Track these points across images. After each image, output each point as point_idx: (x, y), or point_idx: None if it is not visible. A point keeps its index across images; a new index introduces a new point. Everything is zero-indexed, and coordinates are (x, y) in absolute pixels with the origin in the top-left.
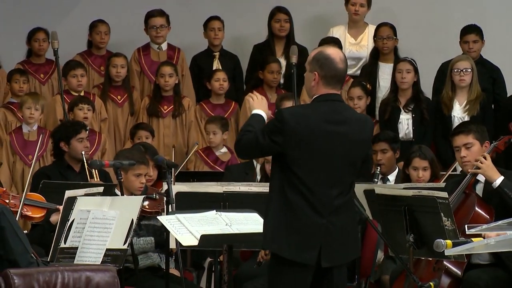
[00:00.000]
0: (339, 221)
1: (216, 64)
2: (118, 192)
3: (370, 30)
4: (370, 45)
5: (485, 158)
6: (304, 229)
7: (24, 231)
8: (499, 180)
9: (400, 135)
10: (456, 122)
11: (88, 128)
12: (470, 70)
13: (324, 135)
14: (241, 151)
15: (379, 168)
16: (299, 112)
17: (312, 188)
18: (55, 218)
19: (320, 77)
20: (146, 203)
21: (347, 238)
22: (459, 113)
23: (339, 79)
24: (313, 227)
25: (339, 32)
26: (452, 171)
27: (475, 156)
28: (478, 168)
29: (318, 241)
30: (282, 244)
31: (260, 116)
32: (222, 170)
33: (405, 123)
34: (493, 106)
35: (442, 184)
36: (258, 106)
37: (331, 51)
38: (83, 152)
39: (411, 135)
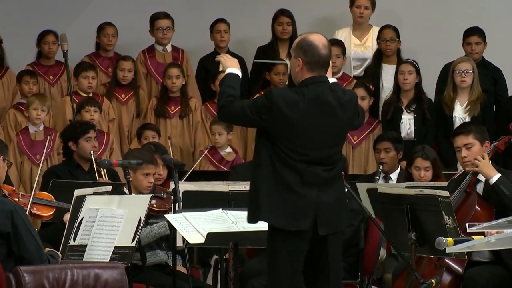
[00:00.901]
0: (330, 192)
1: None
2: (126, 191)
3: (375, 31)
4: (375, 46)
5: (483, 157)
6: (297, 200)
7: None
8: (495, 177)
9: (402, 135)
10: (457, 122)
11: (96, 128)
12: (471, 71)
13: (311, 116)
14: (226, 118)
15: (381, 166)
16: (287, 94)
17: (300, 164)
18: (67, 217)
19: (304, 63)
20: (154, 201)
21: (340, 207)
22: (460, 113)
23: (323, 64)
24: (305, 198)
25: (344, 34)
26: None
27: (476, 156)
28: (476, 166)
29: (312, 210)
30: (278, 215)
31: (235, 75)
32: (227, 170)
33: (407, 123)
34: (494, 106)
35: (443, 183)
36: (231, 64)
37: (314, 37)
38: (91, 152)
39: (413, 135)
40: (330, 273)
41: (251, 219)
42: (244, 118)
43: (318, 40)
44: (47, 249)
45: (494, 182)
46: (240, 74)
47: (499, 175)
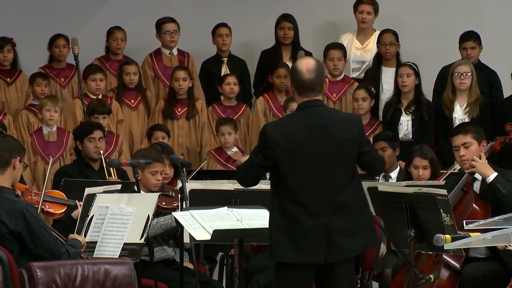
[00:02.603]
0: (340, 218)
1: (225, 69)
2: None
3: (377, 35)
4: (375, 49)
5: (480, 157)
6: (305, 233)
7: None
8: (492, 176)
9: (400, 136)
10: (457, 123)
11: (106, 129)
12: (470, 74)
13: (308, 141)
14: (242, 180)
15: None
16: (280, 124)
17: (306, 193)
18: (76, 212)
19: (293, 88)
20: (163, 200)
21: (351, 232)
22: (460, 114)
23: (309, 87)
24: (312, 229)
25: (348, 38)
26: (451, 170)
27: (473, 155)
28: (473, 166)
29: (320, 240)
30: (286, 250)
31: None
32: (234, 169)
33: (405, 124)
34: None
35: (441, 182)
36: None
37: (300, 63)
38: (101, 152)
39: (410, 136)
40: None
41: (271, 259)
42: (252, 166)
43: (303, 65)
44: (71, 236)
45: (491, 181)
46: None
47: (495, 173)
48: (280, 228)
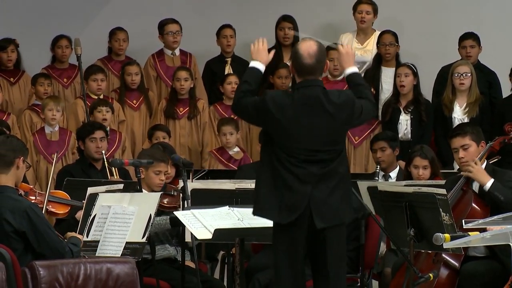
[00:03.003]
0: (325, 187)
1: (228, 69)
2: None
3: (376, 36)
4: (375, 50)
5: (476, 163)
6: (293, 196)
7: None
8: (489, 184)
9: (399, 135)
10: (456, 123)
11: (108, 129)
12: (469, 74)
13: (301, 118)
14: (236, 113)
15: (378, 167)
16: (278, 97)
17: (295, 163)
18: (80, 214)
19: (293, 69)
20: (166, 200)
21: (336, 201)
22: (459, 114)
23: (309, 71)
24: (300, 194)
25: (347, 38)
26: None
27: (472, 156)
28: (470, 172)
29: (304, 204)
30: (273, 211)
31: (257, 69)
32: (236, 168)
33: (404, 124)
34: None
35: (441, 181)
36: (256, 56)
37: (301, 46)
38: (103, 152)
39: (409, 136)
40: (329, 268)
41: (254, 214)
42: (248, 115)
43: (304, 48)
44: (68, 234)
45: (489, 190)
46: (262, 68)
47: (492, 180)
48: (270, 191)
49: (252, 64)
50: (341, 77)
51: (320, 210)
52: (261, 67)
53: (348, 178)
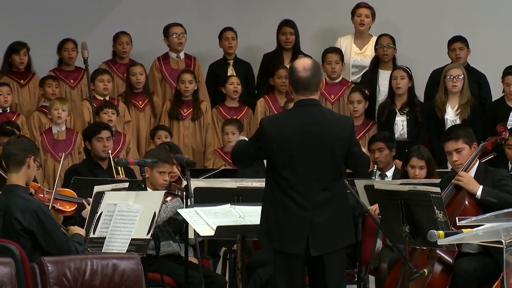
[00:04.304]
0: (325, 214)
1: (231, 71)
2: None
3: (374, 41)
4: (373, 54)
5: (463, 175)
6: (291, 223)
7: None
8: (479, 191)
9: (396, 136)
10: (449, 124)
11: (113, 130)
12: (462, 77)
13: (300, 138)
14: (235, 159)
15: (375, 166)
16: (276, 119)
17: (296, 187)
18: (85, 211)
19: (290, 86)
20: (169, 198)
21: (334, 228)
22: (451, 116)
23: (304, 86)
24: (299, 221)
25: (346, 41)
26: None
27: (466, 158)
28: (460, 181)
29: (304, 232)
30: (273, 238)
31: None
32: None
33: (400, 125)
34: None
35: (436, 180)
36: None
37: (297, 62)
38: (109, 151)
39: (406, 136)
40: None
41: (258, 243)
42: (246, 152)
43: (299, 63)
44: (72, 228)
45: (481, 197)
46: None
47: (481, 187)
48: (268, 215)
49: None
50: (338, 80)
51: (318, 237)
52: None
53: (347, 202)
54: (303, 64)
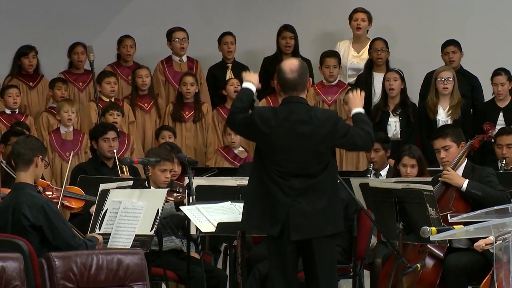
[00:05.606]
0: (306, 201)
1: (229, 74)
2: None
3: None
4: None
5: (449, 170)
6: (273, 206)
7: None
8: (465, 184)
9: (389, 136)
10: (440, 125)
11: (118, 130)
12: (451, 79)
13: (284, 132)
14: (230, 127)
15: (371, 165)
16: (265, 111)
17: (279, 175)
18: (93, 209)
19: (278, 86)
20: (171, 195)
21: (318, 215)
22: (443, 117)
23: (291, 86)
24: (280, 204)
25: (344, 45)
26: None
27: (453, 156)
28: (446, 178)
29: (282, 216)
30: (253, 221)
31: (249, 89)
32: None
33: (393, 125)
34: (472, 110)
35: (428, 178)
36: (248, 78)
37: (284, 63)
38: (115, 151)
39: (399, 136)
40: (319, 275)
41: (241, 226)
42: (239, 130)
43: (286, 65)
44: (89, 234)
45: (466, 189)
46: (253, 88)
47: (467, 181)
48: (255, 202)
49: (245, 84)
50: (335, 82)
51: (298, 222)
52: (253, 87)
53: (335, 191)
54: (290, 65)
